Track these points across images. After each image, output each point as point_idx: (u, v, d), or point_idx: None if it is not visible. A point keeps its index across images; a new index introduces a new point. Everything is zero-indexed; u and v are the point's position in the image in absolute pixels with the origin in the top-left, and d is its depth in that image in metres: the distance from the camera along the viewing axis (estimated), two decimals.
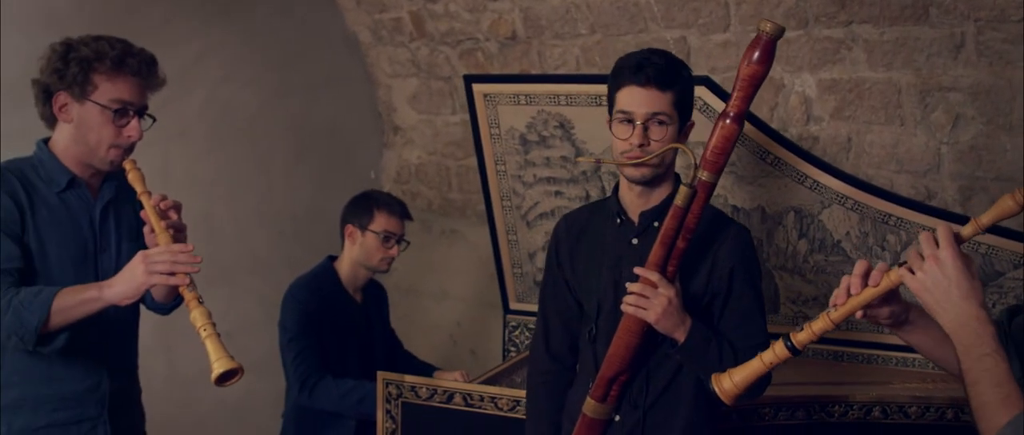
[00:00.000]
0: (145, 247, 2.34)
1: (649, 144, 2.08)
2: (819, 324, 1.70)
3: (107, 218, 2.40)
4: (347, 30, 5.02)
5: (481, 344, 4.80)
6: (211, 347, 2.04)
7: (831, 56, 3.58)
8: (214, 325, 2.08)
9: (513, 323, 3.51)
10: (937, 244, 1.56)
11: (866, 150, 3.61)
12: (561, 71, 4.35)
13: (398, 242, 3.29)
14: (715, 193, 2.14)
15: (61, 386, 2.33)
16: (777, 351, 1.75)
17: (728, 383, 1.79)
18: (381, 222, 3.24)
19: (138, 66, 2.29)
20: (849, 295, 1.68)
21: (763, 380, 1.88)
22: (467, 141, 4.91)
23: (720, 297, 2.15)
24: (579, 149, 3.06)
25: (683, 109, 2.14)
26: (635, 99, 2.09)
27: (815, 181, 2.85)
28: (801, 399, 2.64)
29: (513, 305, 3.49)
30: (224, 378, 2.01)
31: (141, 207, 2.29)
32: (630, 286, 2.04)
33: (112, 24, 4.01)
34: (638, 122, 2.08)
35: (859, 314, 1.70)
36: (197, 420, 4.33)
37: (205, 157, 4.42)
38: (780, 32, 1.93)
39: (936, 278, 1.55)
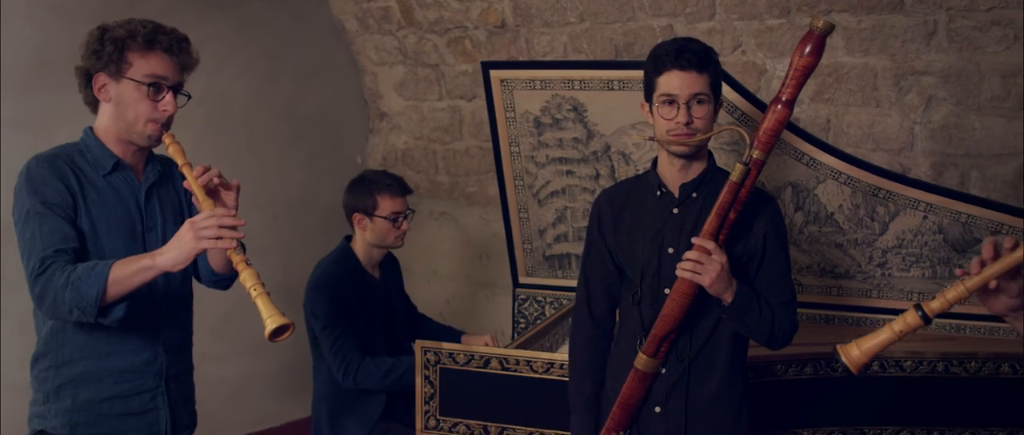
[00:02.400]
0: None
1: (693, 121, 2.29)
2: (953, 292, 1.77)
3: (152, 199, 2.50)
4: (334, 19, 5.15)
5: (470, 321, 4.97)
6: (262, 305, 2.12)
7: None
8: (263, 284, 2.18)
9: (523, 296, 3.69)
10: None
11: (844, 130, 3.87)
12: (549, 58, 4.54)
13: (405, 217, 3.42)
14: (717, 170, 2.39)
15: (120, 360, 2.44)
16: (909, 320, 1.81)
17: (856, 352, 1.85)
18: (386, 206, 3.36)
19: (169, 43, 2.38)
20: (982, 267, 1.78)
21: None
22: (454, 126, 5.09)
23: (755, 260, 2.37)
24: (591, 131, 3.26)
25: (716, 89, 2.35)
26: (677, 82, 2.28)
27: (812, 158, 3.09)
28: (809, 355, 2.88)
29: (523, 279, 3.67)
30: (277, 333, 2.10)
31: (183, 179, 2.40)
32: (687, 254, 2.24)
33: (114, 14, 4.12)
34: (681, 103, 2.28)
35: (992, 285, 1.77)
36: (197, 401, 4.46)
37: (202, 143, 4.51)
38: (830, 28, 2.14)
39: None
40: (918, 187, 3.10)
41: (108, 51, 2.33)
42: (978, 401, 2.92)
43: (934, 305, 1.79)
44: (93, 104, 2.45)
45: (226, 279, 2.60)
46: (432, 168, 5.20)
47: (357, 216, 3.38)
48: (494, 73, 3.25)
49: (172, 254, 2.23)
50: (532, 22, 4.49)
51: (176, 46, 2.40)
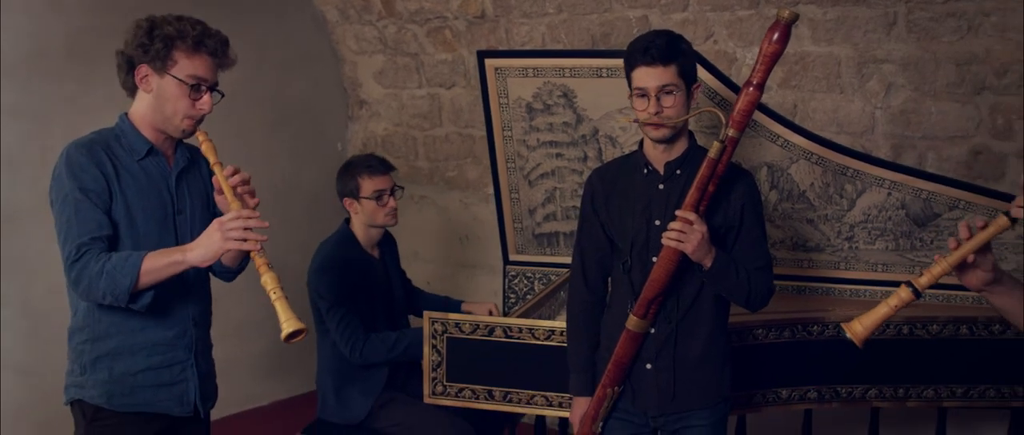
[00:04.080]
0: (213, 209, 2.62)
1: (662, 111, 2.50)
2: (937, 268, 1.97)
3: (181, 183, 2.62)
4: (316, 10, 5.30)
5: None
6: (280, 308, 2.25)
7: None
8: (282, 288, 2.33)
9: (512, 273, 3.89)
10: None
11: (810, 115, 4.12)
12: (527, 47, 4.73)
13: (392, 194, 3.56)
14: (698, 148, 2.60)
15: (153, 334, 2.56)
16: (902, 295, 2.01)
17: (859, 327, 2.06)
18: (368, 186, 3.51)
19: (214, 46, 2.48)
20: (959, 244, 2.00)
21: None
22: (433, 113, 5.27)
23: (734, 230, 2.60)
24: (580, 116, 3.46)
25: (687, 76, 2.53)
26: (645, 77, 2.50)
27: (785, 140, 3.32)
28: (786, 321, 3.12)
29: (513, 256, 3.87)
30: (292, 336, 2.25)
31: (211, 173, 2.52)
32: (671, 225, 2.46)
33: (108, 6, 4.25)
34: (652, 95, 2.50)
35: (970, 259, 1.98)
36: None
37: None
38: (795, 18, 2.36)
39: None
40: (883, 166, 3.34)
41: (156, 47, 2.42)
42: (939, 360, 3.17)
43: (923, 280, 2.01)
44: (131, 89, 2.55)
45: (234, 272, 2.73)
46: (412, 154, 5.37)
47: (347, 200, 3.55)
48: (489, 61, 3.43)
49: (200, 251, 2.35)
50: (511, 12, 4.68)
51: (220, 50, 2.51)
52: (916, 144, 3.91)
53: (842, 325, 2.11)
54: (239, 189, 2.45)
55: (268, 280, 2.29)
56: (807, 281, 3.57)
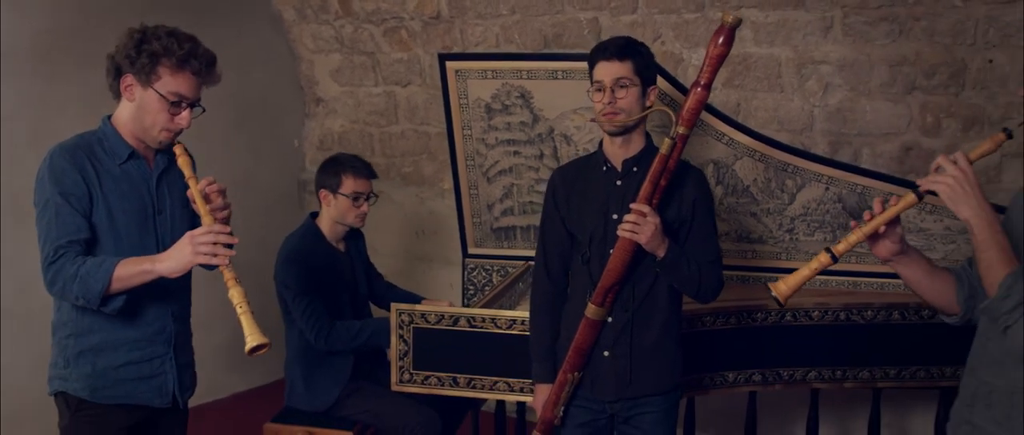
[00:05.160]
0: (192, 211, 2.68)
1: (615, 102, 2.68)
2: (853, 236, 2.19)
3: (161, 185, 2.70)
4: (273, 10, 5.40)
5: None
6: (245, 322, 2.35)
7: None
8: (249, 303, 2.39)
9: (471, 265, 4.04)
10: (956, 162, 2.08)
11: (752, 113, 4.33)
12: (480, 49, 4.88)
13: (367, 199, 3.72)
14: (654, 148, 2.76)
15: (134, 331, 2.66)
16: (822, 259, 2.21)
17: (783, 286, 2.24)
18: (349, 185, 3.66)
19: (199, 66, 2.54)
20: (873, 216, 2.22)
21: None
22: (389, 110, 5.40)
23: (686, 225, 2.78)
24: (536, 115, 3.63)
25: (642, 75, 2.71)
26: (602, 71, 2.69)
27: (730, 138, 3.51)
28: (732, 309, 3.32)
29: (471, 250, 4.02)
30: (255, 350, 2.37)
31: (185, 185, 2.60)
32: (627, 217, 2.64)
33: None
34: (607, 88, 2.68)
35: (882, 229, 2.23)
36: None
37: None
38: (739, 22, 2.53)
39: (962, 180, 2.07)
40: (821, 162, 3.55)
41: (142, 61, 2.50)
42: (873, 344, 3.40)
43: (839, 247, 2.21)
44: (116, 94, 2.63)
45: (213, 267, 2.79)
46: (368, 150, 5.49)
47: (323, 192, 3.67)
48: (450, 64, 3.58)
49: (171, 263, 2.45)
50: (466, 13, 4.83)
51: (205, 70, 2.57)
52: (852, 141, 4.14)
53: (768, 284, 2.30)
54: (213, 199, 2.55)
55: (235, 294, 2.39)
56: (751, 271, 3.77)
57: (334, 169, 3.68)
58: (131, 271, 2.46)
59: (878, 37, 3.94)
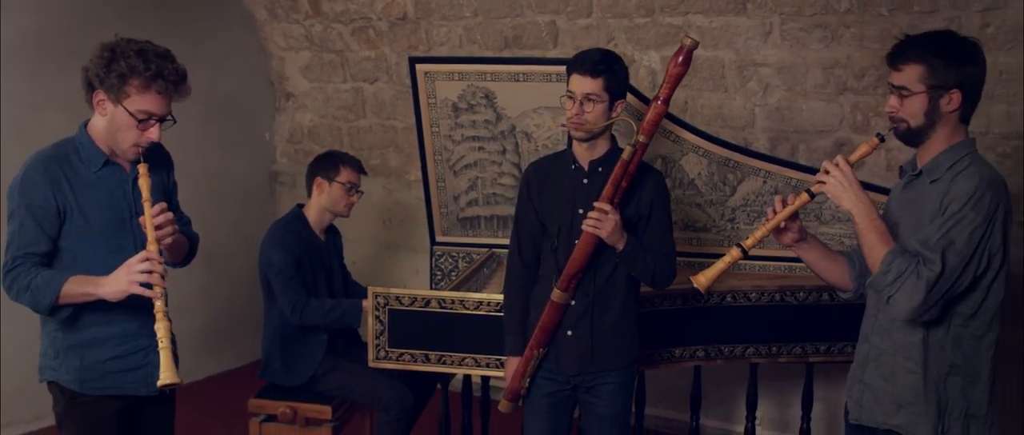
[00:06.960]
0: (171, 208, 2.83)
1: (582, 114, 2.95)
2: (760, 231, 2.53)
3: (137, 189, 2.71)
4: (245, 9, 5.64)
5: (376, 279, 5.51)
6: (163, 358, 2.51)
7: (671, 38, 4.56)
8: (172, 339, 2.56)
9: (439, 253, 4.33)
10: (838, 165, 2.47)
11: (698, 111, 4.65)
12: (445, 48, 5.15)
13: (359, 192, 4.04)
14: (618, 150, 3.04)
15: (119, 326, 2.76)
16: (733, 254, 2.54)
17: (702, 278, 2.59)
18: (346, 175, 3.97)
19: (165, 86, 2.60)
20: (775, 213, 2.58)
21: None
22: (358, 105, 5.67)
23: (644, 220, 3.08)
24: (499, 114, 3.92)
25: (613, 90, 2.96)
26: (575, 84, 2.94)
27: (677, 136, 3.82)
28: (678, 291, 3.61)
29: (439, 238, 4.31)
30: (167, 386, 2.51)
31: (167, 174, 2.84)
32: (590, 214, 2.92)
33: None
34: (577, 100, 2.94)
35: (783, 224, 2.57)
36: None
37: None
38: (696, 44, 2.82)
39: (843, 179, 2.46)
40: (760, 158, 3.86)
41: (111, 79, 2.57)
42: (805, 322, 3.72)
43: (748, 242, 2.56)
44: (91, 105, 2.69)
45: (180, 265, 3.02)
46: (337, 144, 5.74)
47: (318, 180, 3.96)
48: (420, 67, 3.86)
49: (109, 288, 2.58)
50: (431, 16, 5.10)
51: (173, 88, 2.63)
52: (789, 137, 4.48)
53: (690, 277, 2.64)
54: (160, 228, 2.63)
55: (160, 329, 2.53)
56: (696, 257, 4.08)
57: (332, 160, 4.00)
58: (77, 290, 2.61)
59: (813, 42, 4.27)
